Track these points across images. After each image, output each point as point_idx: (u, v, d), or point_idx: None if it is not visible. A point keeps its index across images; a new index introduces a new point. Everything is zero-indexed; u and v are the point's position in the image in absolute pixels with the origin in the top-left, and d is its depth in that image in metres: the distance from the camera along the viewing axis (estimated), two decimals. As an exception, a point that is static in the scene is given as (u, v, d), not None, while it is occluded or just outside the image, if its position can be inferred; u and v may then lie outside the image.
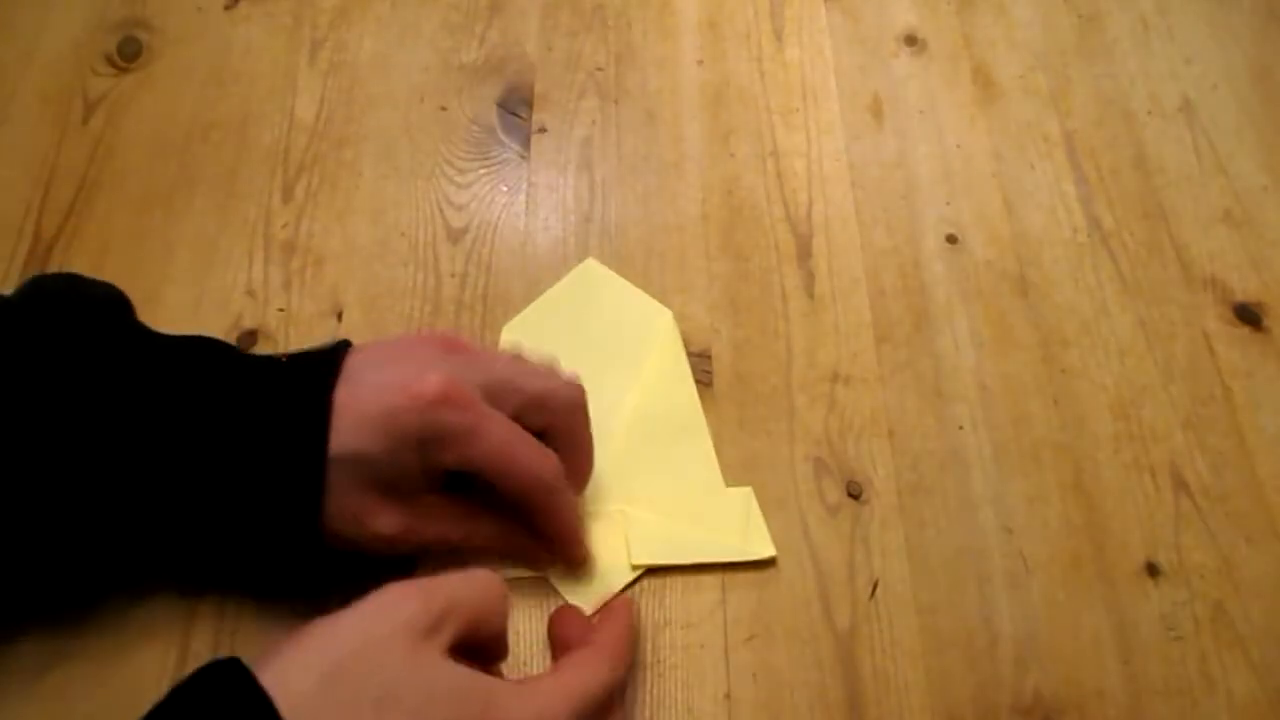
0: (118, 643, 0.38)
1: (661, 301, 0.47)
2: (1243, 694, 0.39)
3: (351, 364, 0.36)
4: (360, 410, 0.34)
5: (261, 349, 0.45)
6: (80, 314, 0.35)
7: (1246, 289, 0.49)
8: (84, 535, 0.34)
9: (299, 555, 0.35)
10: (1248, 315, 0.48)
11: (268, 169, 0.50)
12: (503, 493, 0.36)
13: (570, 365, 0.40)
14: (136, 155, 0.50)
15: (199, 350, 0.36)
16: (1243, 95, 0.55)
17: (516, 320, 0.46)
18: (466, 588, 0.31)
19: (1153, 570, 0.41)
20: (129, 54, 0.54)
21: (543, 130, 0.52)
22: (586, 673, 0.33)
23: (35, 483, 0.32)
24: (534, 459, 0.36)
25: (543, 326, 0.46)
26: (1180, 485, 0.43)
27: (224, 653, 0.36)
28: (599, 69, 0.55)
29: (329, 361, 0.36)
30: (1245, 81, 0.56)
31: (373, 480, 0.35)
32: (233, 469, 0.34)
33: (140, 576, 0.38)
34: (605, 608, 0.39)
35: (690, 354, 0.46)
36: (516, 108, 0.53)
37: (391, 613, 0.29)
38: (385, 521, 0.35)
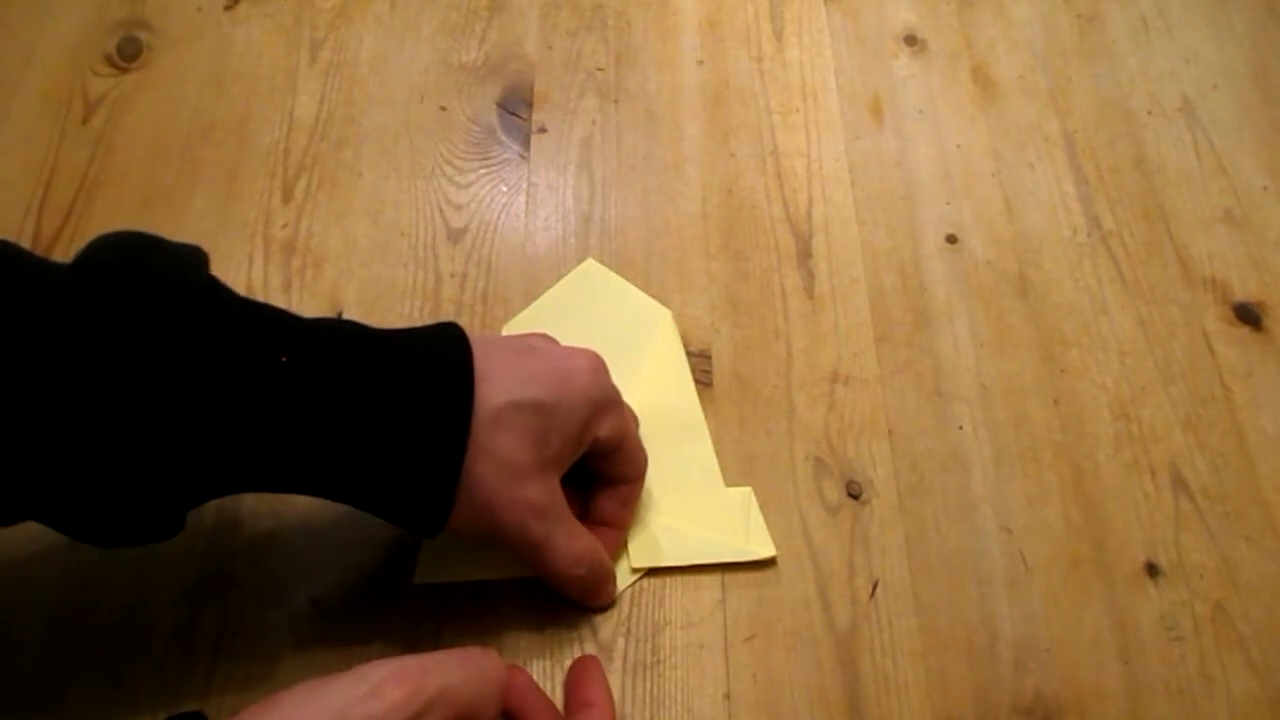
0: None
1: (661, 301, 0.47)
2: (1243, 694, 0.39)
3: (474, 338, 0.35)
4: (523, 368, 0.35)
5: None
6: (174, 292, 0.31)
7: (1246, 289, 0.49)
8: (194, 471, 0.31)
9: (429, 512, 0.34)
10: (1248, 315, 0.48)
11: (268, 169, 0.50)
12: (613, 472, 0.39)
13: None
14: (136, 155, 0.50)
15: (327, 328, 0.34)
16: (1243, 95, 0.55)
17: (516, 320, 0.46)
18: (461, 673, 0.30)
19: (1153, 570, 0.41)
20: (129, 54, 0.54)
21: (543, 130, 0.52)
22: None
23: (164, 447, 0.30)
24: (642, 447, 0.40)
25: (543, 326, 0.46)
26: (1180, 485, 0.43)
27: (213, 710, 0.36)
28: (599, 69, 0.55)
29: (451, 332, 0.35)
30: (1245, 81, 0.56)
31: (536, 437, 0.34)
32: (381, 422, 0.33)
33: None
34: (576, 667, 0.37)
35: (690, 354, 0.46)
36: (516, 108, 0.53)
37: (374, 698, 0.28)
38: (536, 488, 0.35)
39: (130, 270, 0.31)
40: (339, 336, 0.34)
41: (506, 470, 0.34)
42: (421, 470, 0.33)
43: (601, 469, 0.39)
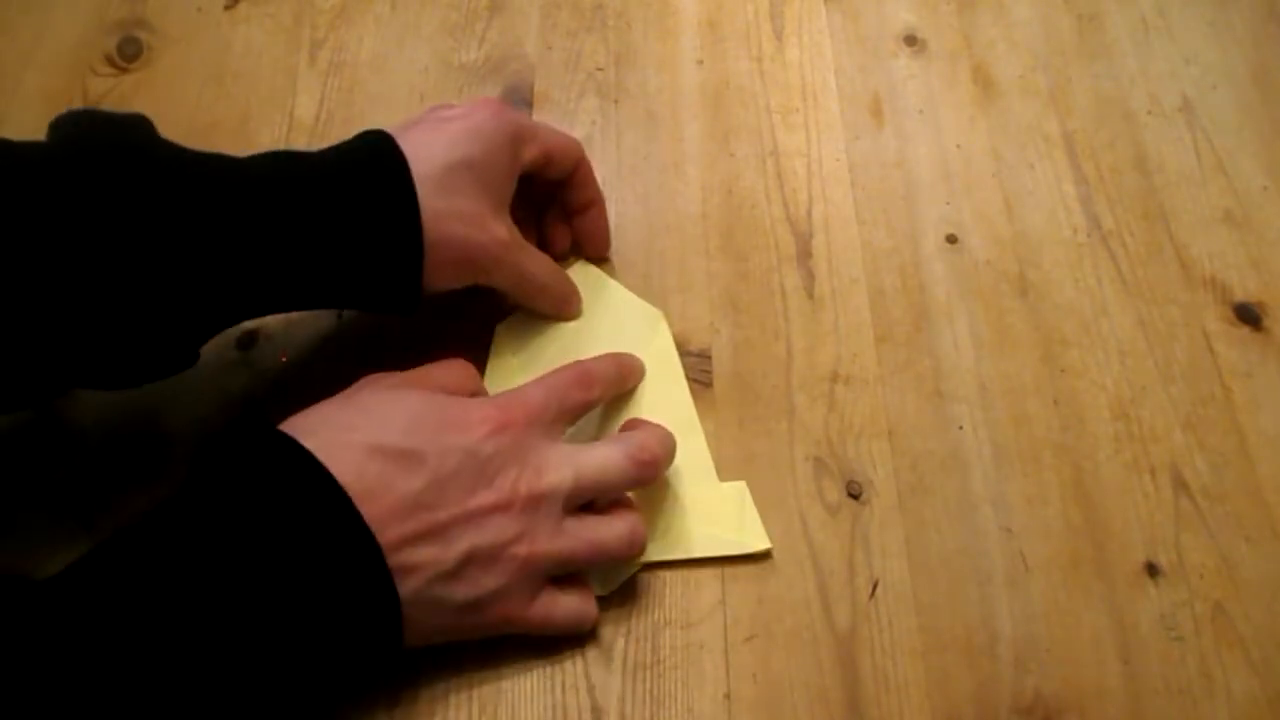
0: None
1: (661, 301, 0.47)
2: (1243, 694, 0.39)
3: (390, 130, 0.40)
4: (442, 137, 0.39)
5: (262, 349, 0.45)
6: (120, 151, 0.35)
7: (1246, 289, 0.49)
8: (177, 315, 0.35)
9: (404, 293, 0.39)
10: (1248, 315, 0.48)
11: (268, 169, 0.50)
12: (574, 196, 0.46)
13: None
14: (136, 155, 0.50)
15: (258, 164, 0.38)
16: (1243, 95, 0.55)
17: (509, 320, 0.46)
18: (440, 367, 0.39)
19: (1153, 570, 0.41)
20: (129, 54, 0.54)
21: (543, 130, 0.52)
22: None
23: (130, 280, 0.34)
24: (574, 141, 0.45)
25: (537, 324, 0.46)
26: (1180, 485, 0.43)
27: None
28: (599, 69, 0.55)
29: (372, 136, 0.39)
30: (1245, 81, 0.56)
31: (478, 184, 0.39)
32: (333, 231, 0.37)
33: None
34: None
35: (690, 354, 0.46)
36: (517, 108, 0.53)
37: (371, 381, 0.37)
38: (498, 226, 0.40)
39: (100, 145, 0.34)
40: (279, 166, 0.38)
41: (469, 221, 0.39)
42: (386, 241, 0.37)
43: (563, 197, 0.46)
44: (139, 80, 0.53)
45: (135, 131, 0.35)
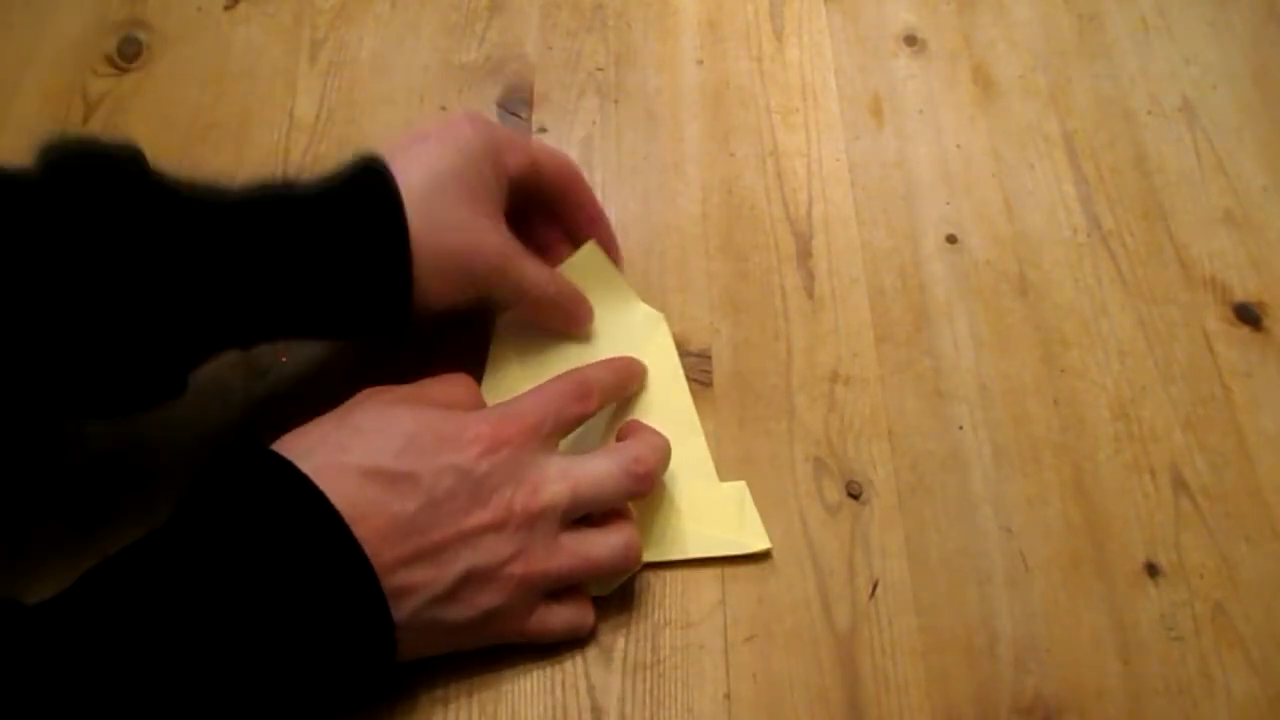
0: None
1: (661, 301, 0.47)
2: (1243, 694, 0.39)
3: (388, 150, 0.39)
4: (424, 150, 0.39)
5: (262, 349, 0.45)
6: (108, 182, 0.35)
7: (1246, 289, 0.49)
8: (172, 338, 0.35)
9: (397, 304, 0.38)
10: (1248, 315, 0.48)
11: (268, 169, 0.50)
12: (546, 185, 0.43)
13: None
14: (136, 155, 0.50)
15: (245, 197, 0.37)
16: (1243, 95, 0.55)
17: (508, 317, 0.46)
18: (438, 382, 0.38)
19: (1152, 570, 0.41)
20: (129, 54, 0.54)
21: (543, 130, 0.52)
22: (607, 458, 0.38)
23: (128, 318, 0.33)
24: (563, 154, 0.44)
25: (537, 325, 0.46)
26: (1180, 485, 0.43)
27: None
28: (599, 69, 0.55)
29: (364, 160, 0.39)
30: (1245, 81, 0.56)
31: (467, 193, 0.39)
32: (324, 252, 0.36)
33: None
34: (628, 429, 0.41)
35: (690, 354, 0.46)
36: (516, 108, 0.53)
37: (369, 397, 0.37)
38: (493, 234, 0.40)
39: (91, 174, 0.34)
40: (267, 192, 0.37)
41: (461, 228, 0.38)
42: (374, 255, 0.37)
43: (564, 218, 0.45)
44: (139, 80, 0.53)
45: (126, 160, 0.35)
